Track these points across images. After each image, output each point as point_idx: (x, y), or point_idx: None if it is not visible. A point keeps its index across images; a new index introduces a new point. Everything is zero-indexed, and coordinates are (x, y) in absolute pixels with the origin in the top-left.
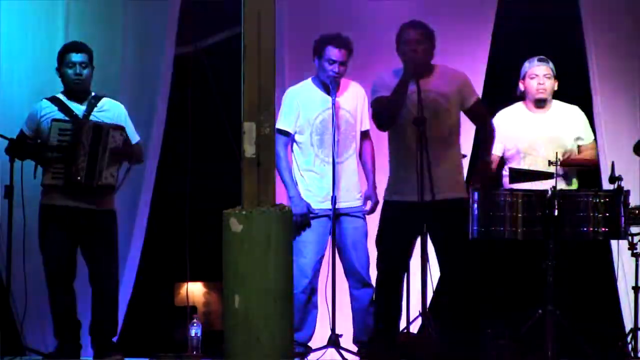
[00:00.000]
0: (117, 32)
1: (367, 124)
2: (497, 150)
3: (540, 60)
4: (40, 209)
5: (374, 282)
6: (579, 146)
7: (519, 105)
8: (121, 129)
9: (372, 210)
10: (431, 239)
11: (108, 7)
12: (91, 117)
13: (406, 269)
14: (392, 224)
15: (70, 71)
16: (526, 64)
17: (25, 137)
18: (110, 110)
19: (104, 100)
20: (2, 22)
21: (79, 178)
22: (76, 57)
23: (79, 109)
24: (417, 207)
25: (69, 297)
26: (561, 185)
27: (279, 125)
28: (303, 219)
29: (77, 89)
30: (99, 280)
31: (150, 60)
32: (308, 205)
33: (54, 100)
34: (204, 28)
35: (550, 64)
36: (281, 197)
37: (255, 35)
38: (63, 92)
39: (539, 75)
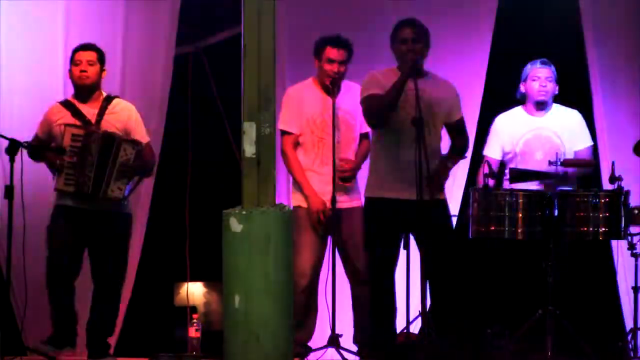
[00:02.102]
0: (117, 32)
1: (367, 126)
2: (496, 154)
3: (542, 62)
4: (54, 209)
5: None
6: (575, 151)
7: (518, 109)
8: (134, 143)
9: (347, 172)
10: (415, 238)
11: (108, 7)
12: (103, 121)
13: (395, 266)
14: (377, 222)
15: (76, 69)
16: (528, 66)
17: (39, 141)
18: (120, 112)
19: (116, 101)
20: (2, 22)
21: (86, 189)
22: (83, 55)
23: (91, 112)
24: (405, 206)
25: (68, 294)
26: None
27: (284, 126)
28: (323, 215)
29: (82, 86)
30: (103, 281)
31: (150, 60)
32: (324, 201)
33: (66, 103)
34: (204, 28)
35: (552, 67)
36: (281, 197)
37: (255, 35)
38: (74, 95)
39: (541, 77)
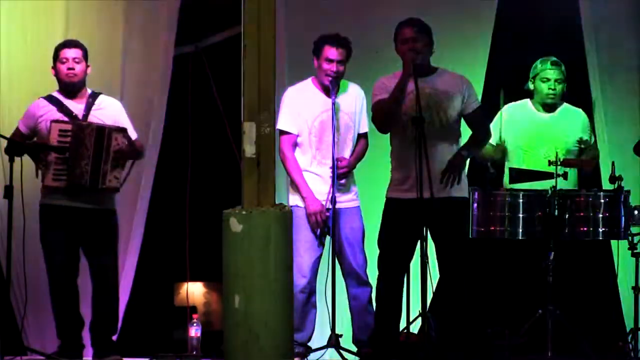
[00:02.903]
0: (117, 31)
1: (365, 126)
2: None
3: (553, 63)
4: (40, 208)
5: (371, 281)
6: (581, 149)
7: (527, 103)
8: (123, 130)
9: (342, 169)
10: (432, 237)
11: (108, 7)
12: (90, 117)
13: (408, 268)
14: (393, 222)
15: (63, 66)
16: (538, 65)
17: (21, 135)
18: (108, 107)
19: (101, 97)
20: (2, 22)
21: (83, 182)
22: (69, 52)
23: (77, 108)
24: (417, 205)
25: (71, 296)
26: (561, 185)
27: (283, 126)
28: (320, 217)
29: (70, 84)
30: (101, 278)
31: (150, 60)
32: (322, 204)
33: (51, 99)
34: (204, 28)
35: (562, 67)
36: (281, 197)
37: (255, 35)
38: (59, 91)
39: (551, 79)
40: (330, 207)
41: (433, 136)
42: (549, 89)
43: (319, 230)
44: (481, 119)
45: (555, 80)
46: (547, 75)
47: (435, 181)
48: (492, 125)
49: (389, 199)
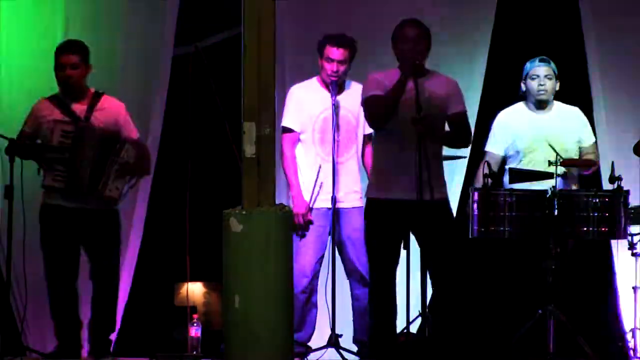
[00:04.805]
0: (117, 32)
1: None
2: (499, 150)
3: (541, 60)
4: (41, 208)
5: None
6: (580, 149)
7: (520, 105)
8: (137, 143)
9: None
10: (416, 239)
11: (108, 7)
12: (91, 118)
13: (394, 269)
14: (378, 222)
15: (60, 73)
16: (527, 64)
17: (25, 136)
18: (109, 108)
19: (104, 98)
20: (2, 22)
21: (81, 186)
22: (65, 58)
23: (79, 109)
24: (406, 206)
25: (70, 296)
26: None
27: (286, 123)
28: (304, 219)
29: (68, 89)
30: (100, 278)
31: (149, 60)
32: (309, 206)
33: (54, 99)
34: (204, 28)
35: (552, 65)
36: (281, 197)
37: (255, 35)
38: (61, 92)
39: (540, 76)
40: (313, 207)
41: (423, 138)
42: (539, 85)
43: (300, 230)
44: (463, 122)
45: (545, 76)
46: (536, 72)
47: (425, 183)
48: (491, 133)
49: (373, 199)
